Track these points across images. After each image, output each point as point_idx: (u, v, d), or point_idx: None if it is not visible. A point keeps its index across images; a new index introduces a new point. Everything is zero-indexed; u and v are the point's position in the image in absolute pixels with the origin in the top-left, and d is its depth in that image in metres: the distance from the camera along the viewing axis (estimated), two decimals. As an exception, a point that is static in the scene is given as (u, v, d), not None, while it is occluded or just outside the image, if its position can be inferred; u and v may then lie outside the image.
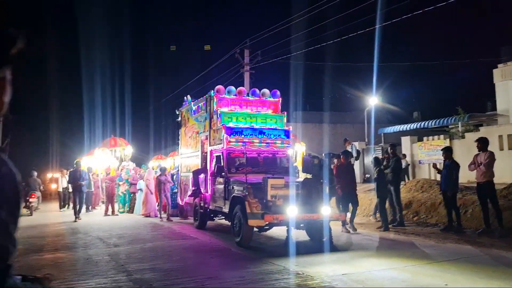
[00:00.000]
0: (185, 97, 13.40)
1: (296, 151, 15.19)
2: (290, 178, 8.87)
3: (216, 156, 10.58)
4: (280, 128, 10.75)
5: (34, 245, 9.77)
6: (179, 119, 13.90)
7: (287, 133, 10.69)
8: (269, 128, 10.58)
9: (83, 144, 32.00)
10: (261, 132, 10.41)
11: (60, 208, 19.78)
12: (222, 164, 9.95)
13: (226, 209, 9.68)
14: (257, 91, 11.28)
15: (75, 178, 15.07)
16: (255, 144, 10.17)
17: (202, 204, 11.14)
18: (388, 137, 24.53)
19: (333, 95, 30.89)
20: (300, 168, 10.72)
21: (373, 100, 24.61)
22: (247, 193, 8.51)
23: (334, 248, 8.13)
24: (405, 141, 20.09)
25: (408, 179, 16.59)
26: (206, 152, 11.40)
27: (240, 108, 11.02)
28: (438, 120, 20.63)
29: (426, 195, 12.05)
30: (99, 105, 34.07)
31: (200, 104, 11.91)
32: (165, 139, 29.71)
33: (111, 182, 16.04)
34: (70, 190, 19.04)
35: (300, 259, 7.29)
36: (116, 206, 16.55)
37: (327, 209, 8.20)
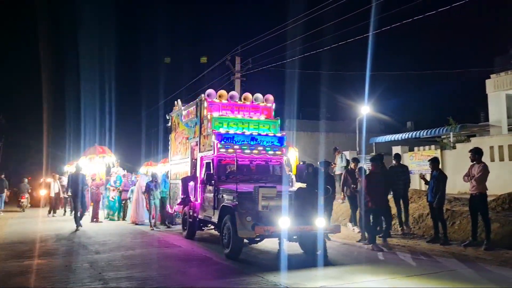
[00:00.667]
0: (175, 102, 12.96)
1: (288, 158, 14.79)
2: (283, 187, 8.44)
3: (206, 163, 10.14)
4: (273, 134, 10.34)
5: (15, 251, 9.70)
6: (169, 124, 13.45)
7: (280, 140, 10.27)
8: (262, 135, 10.15)
9: (74, 150, 31.56)
10: (253, 138, 9.98)
11: (49, 213, 19.17)
12: (212, 172, 9.51)
13: (215, 219, 9.22)
14: (250, 96, 10.86)
15: (77, 183, 13.72)
16: (246, 151, 9.74)
17: (191, 213, 10.67)
18: (379, 146, 24.38)
19: (325, 103, 30.57)
20: (294, 176, 10.30)
21: (364, 109, 24.16)
22: (237, 203, 8.07)
23: (328, 262, 7.71)
24: (396, 150, 19.51)
25: None
26: (196, 159, 10.96)
27: (231, 113, 10.60)
28: (430, 130, 20.48)
29: (414, 205, 11.72)
30: (88, 112, 33.61)
31: (190, 109, 11.48)
32: (156, 146, 29.24)
33: (97, 188, 15.51)
34: (67, 195, 18.33)
35: (291, 274, 6.92)
36: (101, 213, 15.96)
37: (321, 221, 7.77)
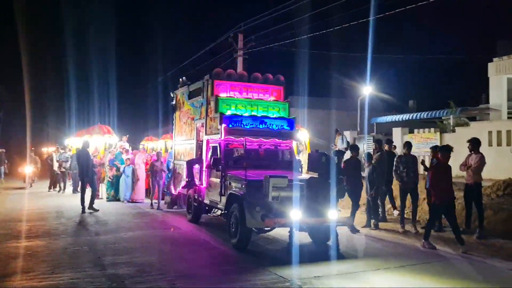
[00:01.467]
0: (180, 79, 12.42)
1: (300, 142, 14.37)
2: (294, 175, 8.04)
3: (213, 146, 9.71)
4: (283, 117, 9.88)
5: (15, 230, 9.63)
6: (174, 102, 12.95)
7: (290, 124, 9.82)
8: (271, 118, 9.70)
9: (73, 123, 31.01)
10: (262, 121, 9.53)
11: (49, 189, 18.81)
12: (219, 156, 9.09)
13: (222, 206, 8.88)
14: (260, 76, 10.34)
15: (85, 161, 12.54)
16: (255, 135, 9.29)
17: (196, 197, 10.32)
18: (380, 127, 24.29)
19: (327, 82, 30.06)
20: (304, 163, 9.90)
21: (367, 89, 24.07)
22: (245, 192, 7.69)
23: (341, 256, 7.38)
24: (396, 132, 19.87)
25: None
26: (202, 141, 10.53)
27: (240, 94, 10.10)
28: (431, 112, 20.54)
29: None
30: (86, 85, 32.98)
31: (196, 88, 10.97)
32: (156, 121, 28.73)
33: (99, 166, 15.06)
34: (60, 171, 17.81)
35: (303, 269, 6.58)
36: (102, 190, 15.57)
37: (334, 213, 7.41)
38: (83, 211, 12.02)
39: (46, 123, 41.86)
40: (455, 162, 8.82)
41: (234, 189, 8.18)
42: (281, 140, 9.61)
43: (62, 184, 18.09)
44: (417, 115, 21.88)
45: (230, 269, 6.75)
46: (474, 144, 9.01)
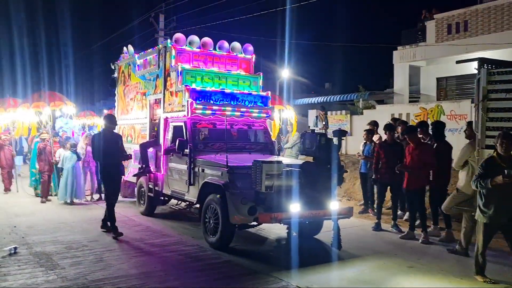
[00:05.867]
0: (124, 48, 10.57)
1: (285, 118, 13.16)
2: (283, 160, 6.81)
3: (175, 126, 8.18)
4: (256, 93, 8.58)
5: None
6: (115, 75, 11.08)
7: (265, 100, 8.56)
8: (243, 93, 8.35)
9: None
10: (233, 97, 8.16)
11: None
12: (185, 138, 7.61)
13: (190, 197, 7.47)
14: (226, 44, 8.90)
15: (113, 151, 7.46)
16: (227, 113, 7.91)
17: (151, 186, 8.74)
18: (299, 109, 26.22)
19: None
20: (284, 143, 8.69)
21: (285, 72, 25.77)
22: (228, 180, 6.35)
23: (343, 254, 6.34)
24: (312, 114, 20.82)
25: None
26: (157, 120, 8.93)
27: (204, 65, 8.61)
28: (343, 96, 22.12)
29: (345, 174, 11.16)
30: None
31: (149, 58, 9.26)
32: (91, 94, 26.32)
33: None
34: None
35: (304, 272, 5.44)
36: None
37: (335, 204, 6.33)
38: (117, 236, 7.11)
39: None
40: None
41: (211, 178, 6.78)
42: (254, 119, 8.33)
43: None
44: (332, 98, 23.17)
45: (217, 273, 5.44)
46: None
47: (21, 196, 11.46)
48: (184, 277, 5.31)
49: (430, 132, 7.86)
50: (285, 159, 7.46)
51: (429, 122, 9.27)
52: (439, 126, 7.65)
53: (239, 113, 8.05)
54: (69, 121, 12.99)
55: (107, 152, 7.31)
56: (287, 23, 18.36)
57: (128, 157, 7.98)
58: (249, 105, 8.26)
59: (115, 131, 7.94)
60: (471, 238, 6.20)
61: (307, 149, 6.56)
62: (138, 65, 9.74)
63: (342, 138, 6.62)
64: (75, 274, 5.25)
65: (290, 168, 6.28)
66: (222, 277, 5.36)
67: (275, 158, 7.26)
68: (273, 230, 7.59)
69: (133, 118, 10.07)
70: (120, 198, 10.47)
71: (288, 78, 26.20)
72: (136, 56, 9.81)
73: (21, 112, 12.01)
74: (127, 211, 9.32)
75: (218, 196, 6.47)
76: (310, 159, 7.07)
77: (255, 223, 6.30)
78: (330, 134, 8.27)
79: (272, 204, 6.07)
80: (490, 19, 16.03)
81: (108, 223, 7.43)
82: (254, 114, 8.25)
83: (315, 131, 8.79)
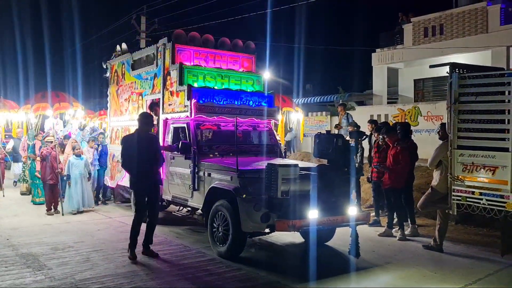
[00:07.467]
0: (117, 46, 10.07)
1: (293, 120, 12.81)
2: (298, 163, 6.42)
3: (175, 128, 7.74)
4: (261, 92, 8.19)
5: None
6: (107, 74, 10.55)
7: (269, 100, 8.17)
8: (248, 92, 7.95)
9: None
10: (238, 97, 7.75)
11: None
12: (188, 140, 7.17)
13: (194, 203, 7.03)
14: (228, 41, 8.48)
15: (149, 157, 6.16)
16: (232, 113, 7.49)
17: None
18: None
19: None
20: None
21: (266, 74, 25.75)
22: (239, 185, 5.94)
23: (363, 263, 5.97)
24: (294, 116, 21.14)
25: (294, 151, 17.02)
26: (155, 121, 8.46)
27: (206, 64, 8.17)
28: (323, 97, 22.49)
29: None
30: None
31: (146, 56, 8.79)
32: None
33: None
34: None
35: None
36: None
37: (353, 209, 5.97)
38: (133, 258, 5.92)
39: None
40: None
41: (218, 182, 6.36)
42: (259, 120, 7.94)
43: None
44: (312, 99, 23.42)
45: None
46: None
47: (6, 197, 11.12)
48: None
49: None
50: (300, 162, 7.08)
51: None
52: (406, 127, 7.81)
53: (243, 114, 7.65)
54: (59, 121, 12.18)
55: (142, 159, 5.99)
56: (267, 26, 18.40)
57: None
58: (253, 105, 7.87)
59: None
60: (445, 234, 6.56)
61: (322, 152, 6.18)
62: (133, 64, 9.24)
63: (361, 139, 6.25)
64: (62, 274, 5.26)
65: (306, 172, 5.91)
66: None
67: (288, 161, 6.90)
68: (281, 237, 7.21)
69: (127, 120, 9.56)
70: (116, 203, 10.06)
71: (269, 80, 26.63)
72: (132, 54, 9.31)
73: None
74: (124, 218, 8.85)
75: (228, 202, 6.06)
76: (325, 162, 6.70)
77: (268, 230, 5.92)
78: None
79: (288, 210, 5.67)
80: (464, 23, 16.39)
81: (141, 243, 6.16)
82: (259, 115, 7.85)
83: (359, 131, 8.28)
